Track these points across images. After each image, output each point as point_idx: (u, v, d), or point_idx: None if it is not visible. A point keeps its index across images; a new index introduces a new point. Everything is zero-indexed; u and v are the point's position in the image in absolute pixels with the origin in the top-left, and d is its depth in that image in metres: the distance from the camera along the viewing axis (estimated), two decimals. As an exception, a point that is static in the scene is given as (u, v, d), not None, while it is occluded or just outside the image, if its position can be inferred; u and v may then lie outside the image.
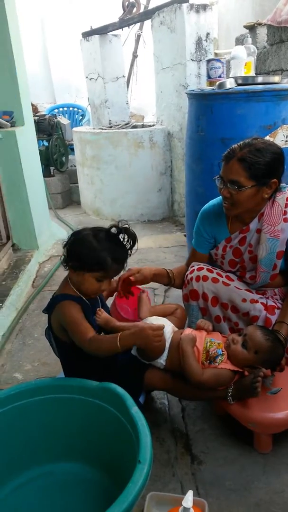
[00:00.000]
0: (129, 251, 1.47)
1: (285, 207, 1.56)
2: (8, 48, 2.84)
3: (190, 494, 1.06)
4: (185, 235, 3.31)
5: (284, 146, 2.08)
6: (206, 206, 1.75)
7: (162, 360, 1.48)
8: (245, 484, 1.35)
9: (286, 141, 2.12)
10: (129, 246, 1.47)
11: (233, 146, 1.50)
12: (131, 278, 1.65)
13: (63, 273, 1.56)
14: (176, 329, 1.58)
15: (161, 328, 1.38)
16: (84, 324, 1.39)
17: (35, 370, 2.02)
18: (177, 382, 1.49)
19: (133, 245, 1.48)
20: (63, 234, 3.77)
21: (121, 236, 1.46)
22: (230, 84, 2.14)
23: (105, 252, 1.37)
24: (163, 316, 1.62)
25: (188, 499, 1.06)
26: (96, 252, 1.37)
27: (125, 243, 1.46)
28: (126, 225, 1.47)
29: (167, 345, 1.49)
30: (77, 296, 1.44)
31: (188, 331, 1.53)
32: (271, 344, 1.42)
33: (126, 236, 1.46)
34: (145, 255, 3.18)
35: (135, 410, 1.20)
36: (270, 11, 2.79)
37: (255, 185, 1.47)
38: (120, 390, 1.28)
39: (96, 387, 1.33)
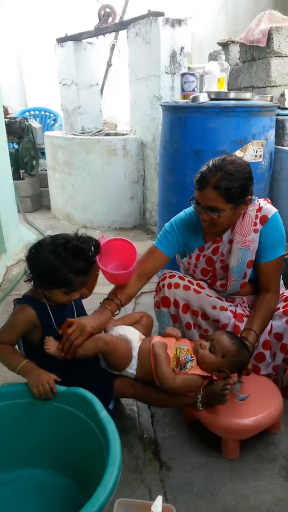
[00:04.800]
0: (94, 258, 1.45)
1: (255, 219, 1.62)
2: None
3: (159, 500, 1.07)
4: (155, 244, 3.35)
5: (253, 161, 2.17)
6: (181, 214, 1.77)
7: (132, 370, 1.49)
8: (212, 490, 1.36)
9: (255, 155, 2.20)
10: (92, 253, 1.43)
11: (203, 169, 1.52)
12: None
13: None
14: (143, 337, 1.59)
15: (54, 389, 1.29)
16: (11, 333, 1.41)
17: (1, 375, 1.96)
18: (147, 389, 1.50)
19: (96, 250, 1.46)
20: (32, 238, 3.69)
21: (82, 245, 1.40)
22: (203, 98, 2.20)
23: (66, 269, 1.34)
24: (129, 325, 1.63)
25: (157, 504, 1.07)
26: (56, 272, 1.33)
27: (87, 249, 1.42)
28: (85, 234, 1.45)
29: (135, 353, 1.50)
30: (42, 303, 1.43)
31: (156, 338, 1.54)
32: (236, 347, 1.46)
33: (86, 246, 1.42)
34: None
35: (104, 415, 1.20)
36: (242, 29, 2.91)
37: (233, 207, 1.53)
38: (89, 394, 1.28)
39: (64, 391, 1.32)
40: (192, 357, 1.47)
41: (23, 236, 3.61)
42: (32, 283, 1.43)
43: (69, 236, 1.42)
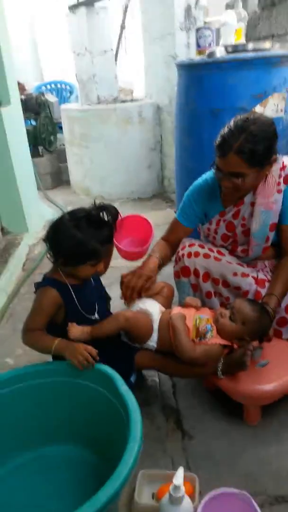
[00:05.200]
0: (114, 225, 1.42)
1: (279, 178, 1.52)
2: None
3: (180, 471, 1.04)
4: (175, 212, 3.26)
5: (275, 116, 2.03)
6: (198, 181, 1.69)
7: (153, 343, 1.47)
8: (234, 456, 1.35)
9: (277, 110, 2.05)
10: (111, 220, 1.41)
11: (224, 132, 1.40)
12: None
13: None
14: (163, 309, 1.55)
15: (93, 353, 1.30)
16: (40, 317, 1.38)
17: (27, 354, 1.96)
18: (168, 360, 1.47)
19: (115, 218, 1.43)
20: (53, 215, 3.70)
21: (102, 214, 1.39)
22: (220, 52, 2.06)
23: (93, 240, 1.32)
24: (150, 295, 1.59)
25: (179, 476, 1.04)
26: (84, 245, 1.31)
27: (106, 219, 1.40)
28: (103, 202, 1.42)
29: (156, 326, 1.48)
30: (63, 283, 1.39)
31: (176, 310, 1.50)
32: (257, 314, 1.41)
33: (106, 214, 1.40)
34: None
35: (124, 389, 1.19)
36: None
37: (258, 170, 1.43)
38: (109, 370, 1.27)
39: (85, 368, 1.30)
40: (211, 327, 1.43)
41: (44, 214, 3.61)
42: (55, 263, 1.40)
43: (86, 208, 1.39)
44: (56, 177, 4.82)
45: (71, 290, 1.40)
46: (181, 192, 2.60)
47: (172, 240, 1.74)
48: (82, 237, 1.31)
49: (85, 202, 4.00)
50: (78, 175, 4.29)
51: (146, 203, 3.85)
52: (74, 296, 1.41)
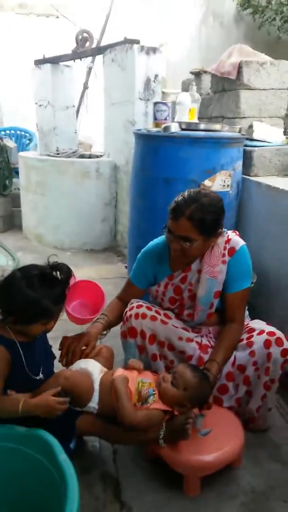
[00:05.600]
0: (66, 285, 1.42)
1: (224, 250, 1.64)
2: None
3: None
4: (126, 267, 3.33)
5: (221, 190, 2.21)
6: (149, 245, 1.78)
7: (94, 404, 1.45)
8: (173, 530, 1.32)
9: (223, 185, 2.24)
10: (64, 279, 1.41)
11: (179, 199, 1.54)
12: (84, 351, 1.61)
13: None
14: (105, 369, 1.56)
15: (67, 401, 1.33)
16: None
17: None
18: (109, 426, 1.45)
19: (68, 278, 1.43)
20: (2, 261, 3.63)
21: (55, 273, 1.40)
22: (174, 128, 2.24)
23: (46, 299, 1.30)
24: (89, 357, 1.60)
25: None
26: (37, 304, 1.29)
27: (60, 278, 1.40)
28: (56, 261, 1.42)
29: (96, 386, 1.46)
30: (10, 339, 1.36)
31: (119, 371, 1.51)
32: (198, 380, 1.44)
33: (60, 273, 1.40)
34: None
35: (63, 458, 1.15)
36: (214, 57, 2.99)
37: (204, 238, 1.55)
38: (49, 437, 1.23)
39: (23, 433, 1.25)
40: (154, 391, 1.45)
41: (-8, 257, 3.54)
42: (3, 320, 1.36)
43: (38, 265, 1.39)
44: (8, 221, 4.77)
45: (19, 348, 1.37)
46: (132, 249, 2.69)
47: (126, 300, 1.79)
48: (35, 296, 1.29)
49: (37, 249, 4.02)
50: (31, 221, 4.28)
51: (98, 255, 3.90)
52: (22, 355, 1.37)
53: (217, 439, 1.46)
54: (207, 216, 1.51)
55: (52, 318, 1.38)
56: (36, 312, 1.31)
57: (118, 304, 1.81)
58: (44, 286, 1.32)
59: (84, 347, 1.61)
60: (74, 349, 1.58)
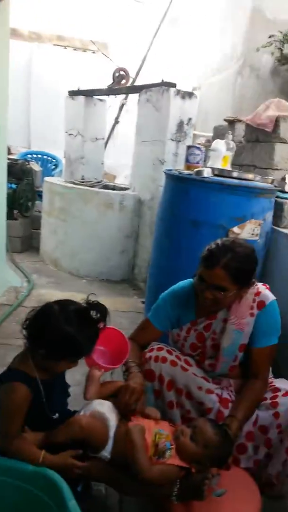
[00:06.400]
0: (100, 325, 1.39)
1: (253, 302, 1.61)
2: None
3: None
4: (142, 302, 3.30)
5: (249, 238, 2.21)
6: (175, 288, 1.76)
7: (106, 453, 1.37)
8: None
9: (252, 234, 2.24)
10: (99, 319, 1.38)
11: (212, 247, 1.53)
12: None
13: (11, 324, 1.45)
14: (120, 416, 1.47)
15: (85, 467, 1.31)
16: (18, 419, 1.28)
17: None
18: (120, 476, 1.38)
19: (105, 318, 1.40)
20: (17, 281, 3.63)
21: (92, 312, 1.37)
22: (207, 173, 2.27)
23: (80, 336, 1.28)
24: (111, 394, 1.52)
25: None
26: (73, 341, 1.27)
27: (95, 317, 1.37)
28: (96, 300, 1.41)
29: (111, 434, 1.39)
30: (33, 377, 1.32)
31: (134, 421, 1.44)
32: (220, 439, 1.38)
33: (96, 312, 1.38)
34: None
35: (73, 505, 1.09)
36: (247, 108, 3.08)
37: (238, 288, 1.54)
38: (57, 477, 1.18)
39: (31, 471, 1.21)
40: (171, 445, 1.38)
41: (8, 279, 3.53)
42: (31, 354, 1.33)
43: (75, 302, 1.37)
44: (27, 242, 4.81)
45: (41, 387, 1.32)
46: (152, 285, 2.68)
47: (140, 341, 1.74)
48: (73, 332, 1.27)
49: (51, 273, 4.01)
50: (50, 244, 4.31)
51: (114, 286, 3.88)
52: (43, 394, 1.33)
53: (233, 503, 1.38)
54: (242, 266, 1.51)
55: (82, 357, 1.35)
56: (69, 349, 1.29)
57: (137, 348, 1.72)
58: (81, 324, 1.30)
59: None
60: (128, 402, 1.45)
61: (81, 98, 4.57)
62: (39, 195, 4.87)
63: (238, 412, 1.54)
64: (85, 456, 1.38)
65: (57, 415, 1.40)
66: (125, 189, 4.26)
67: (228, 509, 1.36)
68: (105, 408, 1.46)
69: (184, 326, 1.72)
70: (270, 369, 1.71)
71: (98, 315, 1.38)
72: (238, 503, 1.39)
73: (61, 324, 1.27)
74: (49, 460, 1.27)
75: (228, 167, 2.45)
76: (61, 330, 1.27)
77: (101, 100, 4.72)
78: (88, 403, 1.48)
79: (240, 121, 3.09)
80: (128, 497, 1.56)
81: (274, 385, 1.64)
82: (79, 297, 1.41)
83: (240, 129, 3.14)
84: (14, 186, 4.65)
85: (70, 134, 4.79)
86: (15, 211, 4.70)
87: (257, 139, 2.81)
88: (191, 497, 1.35)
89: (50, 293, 3.45)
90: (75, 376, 1.53)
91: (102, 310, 1.39)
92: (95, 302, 1.40)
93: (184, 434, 1.40)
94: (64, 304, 1.34)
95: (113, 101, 5.14)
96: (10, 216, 4.48)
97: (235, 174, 2.32)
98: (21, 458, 1.26)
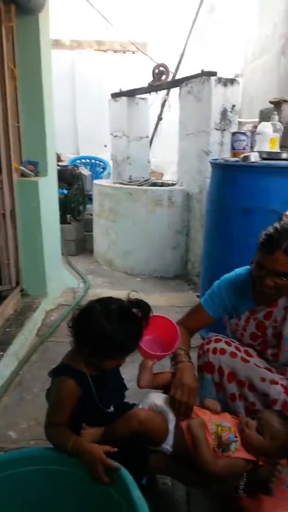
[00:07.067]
0: (145, 323, 1.38)
1: None
2: (39, 104, 2.94)
3: None
4: (198, 296, 3.26)
5: (306, 222, 2.10)
6: (231, 275, 1.70)
7: (168, 446, 1.37)
8: None
9: (308, 217, 2.13)
10: (143, 317, 1.37)
11: (271, 232, 1.46)
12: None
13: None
14: None
15: (117, 467, 1.20)
16: (63, 412, 1.30)
17: (30, 429, 1.90)
18: (184, 469, 1.37)
19: (148, 315, 1.40)
20: (74, 282, 3.75)
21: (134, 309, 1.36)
22: (254, 158, 2.19)
23: (123, 336, 1.28)
24: (165, 383, 1.50)
25: None
26: (113, 340, 1.27)
27: (138, 315, 1.36)
28: (137, 298, 1.39)
29: (172, 427, 1.38)
30: (83, 372, 1.34)
31: (193, 414, 1.41)
32: None
33: (139, 310, 1.37)
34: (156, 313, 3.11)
35: (137, 496, 1.09)
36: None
37: None
38: (123, 470, 1.18)
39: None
40: (236, 438, 1.34)
41: (65, 280, 3.66)
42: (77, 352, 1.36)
43: (118, 300, 1.37)
44: (81, 245, 4.96)
45: (90, 380, 1.34)
46: (205, 278, 2.64)
47: (190, 327, 1.70)
48: (113, 331, 1.26)
49: (106, 273, 4.09)
50: (102, 246, 4.40)
51: (168, 282, 3.88)
52: (94, 389, 1.35)
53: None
54: None
55: (126, 355, 1.35)
56: (111, 348, 1.29)
57: (186, 336, 1.67)
58: (123, 322, 1.30)
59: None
60: (187, 402, 1.40)
61: (124, 99, 4.62)
62: (90, 199, 4.99)
63: (306, 402, 1.46)
64: (144, 450, 1.38)
65: (112, 408, 1.41)
66: (173, 185, 4.24)
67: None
68: (163, 401, 1.46)
69: (243, 315, 1.66)
70: None
71: (140, 313, 1.36)
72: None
73: (103, 323, 1.27)
74: (80, 444, 1.23)
75: (276, 149, 2.35)
76: (101, 329, 1.27)
77: (143, 98, 4.73)
78: (146, 396, 1.48)
79: (286, 101, 2.95)
80: (195, 489, 1.54)
81: None
82: (133, 296, 1.41)
83: (287, 109, 2.99)
84: (65, 191, 4.81)
85: (115, 136, 4.86)
86: (68, 216, 4.87)
87: (306, 117, 2.67)
88: (259, 491, 1.31)
89: (105, 292, 3.52)
90: (135, 370, 1.53)
91: (145, 308, 1.38)
92: (137, 299, 1.38)
93: (249, 426, 1.36)
94: (105, 303, 1.34)
95: (155, 98, 5.13)
96: (63, 220, 4.65)
97: (284, 155, 2.22)
98: (53, 443, 1.28)
